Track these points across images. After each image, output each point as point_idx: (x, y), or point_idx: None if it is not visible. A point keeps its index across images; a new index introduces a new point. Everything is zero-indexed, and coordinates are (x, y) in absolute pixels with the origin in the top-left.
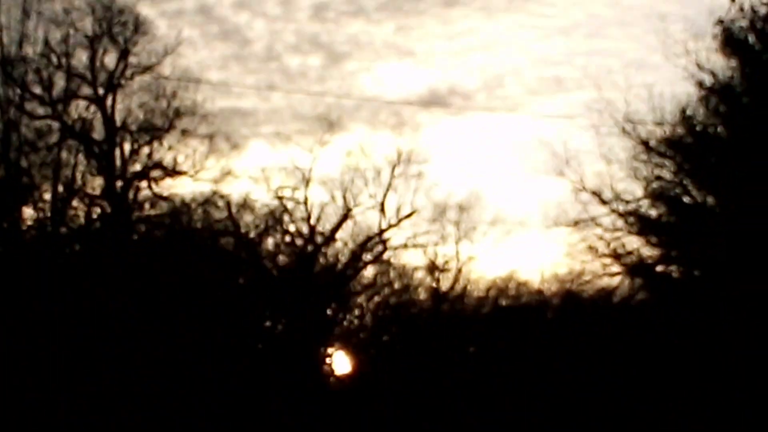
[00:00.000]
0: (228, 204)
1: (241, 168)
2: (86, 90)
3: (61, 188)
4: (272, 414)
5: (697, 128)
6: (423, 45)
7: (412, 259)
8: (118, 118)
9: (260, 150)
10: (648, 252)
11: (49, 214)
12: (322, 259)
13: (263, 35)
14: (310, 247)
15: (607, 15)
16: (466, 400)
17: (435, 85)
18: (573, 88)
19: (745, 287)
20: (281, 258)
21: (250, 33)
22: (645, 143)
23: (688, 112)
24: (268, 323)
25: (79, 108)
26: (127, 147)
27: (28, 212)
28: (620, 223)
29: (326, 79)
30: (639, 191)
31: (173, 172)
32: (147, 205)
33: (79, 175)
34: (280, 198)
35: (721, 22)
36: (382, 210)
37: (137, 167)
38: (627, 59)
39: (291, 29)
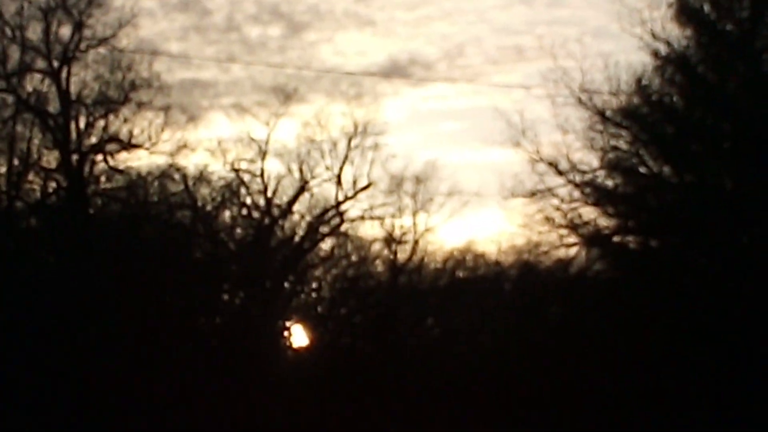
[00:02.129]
0: (184, 177)
1: (198, 140)
2: (41, 63)
3: (16, 162)
4: (231, 387)
5: (653, 98)
6: (383, 14)
7: (369, 232)
8: (73, 91)
9: (218, 122)
10: (605, 222)
11: (4, 189)
12: (279, 232)
13: (223, 6)
14: (267, 220)
15: None
16: (424, 372)
17: (396, 55)
18: (533, 57)
19: (701, 257)
20: (238, 231)
21: (210, 4)
22: (601, 113)
23: (644, 82)
24: (225, 297)
25: (33, 81)
26: (82, 120)
27: None
28: (577, 193)
29: (286, 50)
30: (595, 162)
31: (129, 145)
32: (103, 179)
33: (34, 149)
34: (237, 170)
35: None
36: (339, 182)
37: (93, 140)
38: (588, 28)
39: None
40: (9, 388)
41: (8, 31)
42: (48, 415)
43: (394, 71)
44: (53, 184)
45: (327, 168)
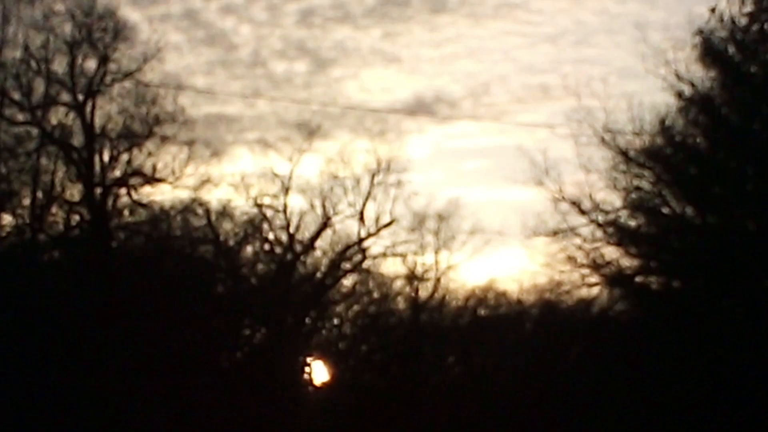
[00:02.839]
0: (207, 212)
1: (222, 175)
2: (66, 96)
3: (40, 194)
4: (251, 422)
5: (676, 139)
6: (409, 51)
7: (391, 269)
8: (98, 125)
9: (242, 157)
10: (627, 263)
11: (28, 221)
12: (301, 268)
13: (249, 41)
14: (289, 256)
15: (595, 23)
16: (445, 411)
17: (421, 92)
18: (559, 96)
19: (724, 300)
20: (260, 266)
21: (236, 38)
22: (624, 153)
23: (668, 123)
24: (247, 332)
25: (58, 114)
26: (106, 154)
27: (6, 218)
28: (599, 233)
29: (312, 86)
30: (618, 201)
31: (152, 179)
32: (126, 212)
33: (58, 182)
34: (260, 206)
35: (700, 32)
36: (362, 219)
37: (116, 174)
38: (613, 67)
39: (277, 35)
40: (31, 423)
41: (33, 64)
42: None
43: (419, 108)
44: (76, 217)
45: (350, 204)
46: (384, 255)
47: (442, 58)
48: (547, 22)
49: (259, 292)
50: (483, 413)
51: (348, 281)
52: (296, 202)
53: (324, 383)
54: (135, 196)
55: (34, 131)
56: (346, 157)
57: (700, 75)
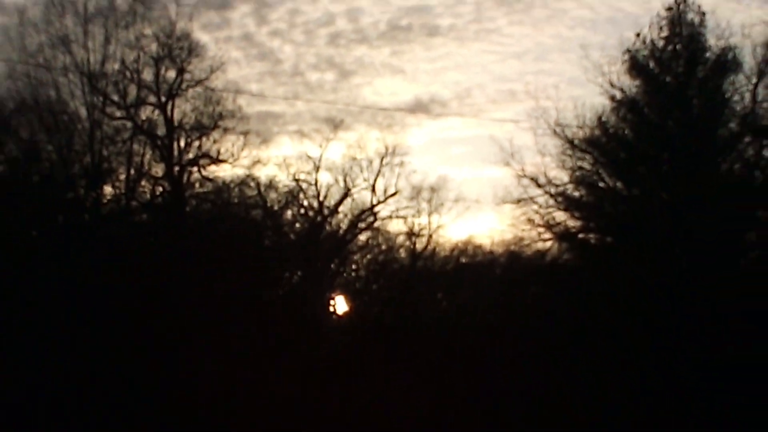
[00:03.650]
0: (258, 185)
1: (269, 157)
2: (152, 98)
3: (132, 172)
4: (290, 342)
5: (610, 131)
6: (411, 65)
7: (395, 228)
8: (176, 119)
9: (284, 143)
10: (572, 223)
11: (123, 192)
12: (327, 227)
13: (291, 56)
14: (318, 218)
15: (550, 43)
16: (434, 334)
17: (419, 95)
18: (522, 99)
19: (645, 251)
20: (297, 226)
21: (281, 55)
22: (570, 141)
23: (603, 119)
24: (287, 274)
25: (146, 111)
26: (182, 141)
27: (107, 190)
28: (551, 201)
29: (338, 90)
30: (566, 178)
31: (217, 160)
32: (197, 186)
33: (146, 162)
34: (297, 180)
35: (629, 51)
36: (373, 190)
37: (190, 156)
38: (563, 77)
39: (312, 52)
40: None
41: (128, 74)
42: (147, 362)
43: (418, 107)
44: (160, 189)
45: (365, 180)
46: (390, 217)
47: (436, 70)
48: (515, 43)
49: (296, 245)
50: (464, 336)
51: (363, 237)
52: (324, 178)
53: (344, 313)
54: (204, 173)
55: (128, 124)
56: (362, 144)
57: (628, 83)
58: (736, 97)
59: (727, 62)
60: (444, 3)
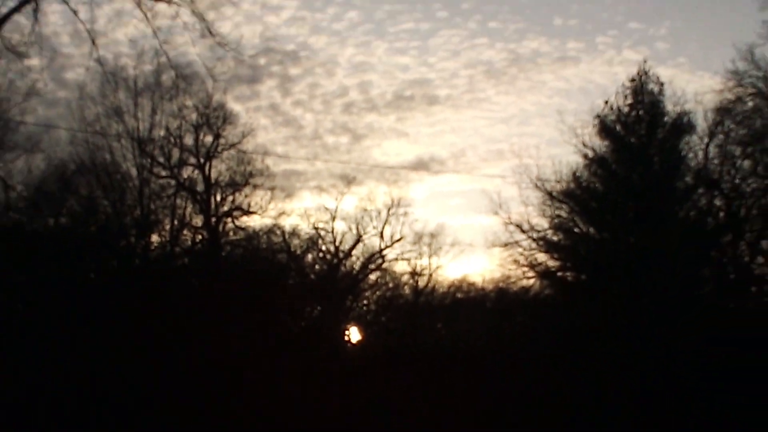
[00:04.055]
0: (283, 233)
1: (293, 209)
2: (192, 159)
3: (175, 223)
4: (312, 366)
5: (583, 184)
6: (414, 129)
7: (400, 268)
8: (213, 178)
9: (306, 197)
10: (552, 263)
11: (168, 239)
12: (342, 268)
13: (311, 123)
14: (335, 261)
15: (532, 110)
16: (434, 358)
17: (421, 155)
18: (509, 157)
19: (614, 286)
20: (317, 267)
21: (303, 122)
22: (549, 194)
23: (577, 174)
24: (308, 309)
25: (187, 171)
26: (218, 196)
27: (154, 238)
28: (534, 245)
29: (351, 152)
30: (546, 224)
31: (248, 212)
32: (231, 233)
33: (187, 215)
34: (317, 228)
35: (598, 116)
36: (382, 236)
37: (225, 209)
38: (543, 139)
39: (329, 119)
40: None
41: (172, 139)
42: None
43: (420, 166)
44: (199, 237)
45: (374, 227)
46: (396, 259)
47: (435, 133)
48: (502, 110)
49: (316, 284)
50: (459, 361)
51: (373, 276)
52: (339, 226)
53: (357, 341)
54: (236, 223)
55: (172, 182)
56: (372, 197)
57: (598, 144)
58: (691, 155)
59: (682, 125)
60: (441, 76)
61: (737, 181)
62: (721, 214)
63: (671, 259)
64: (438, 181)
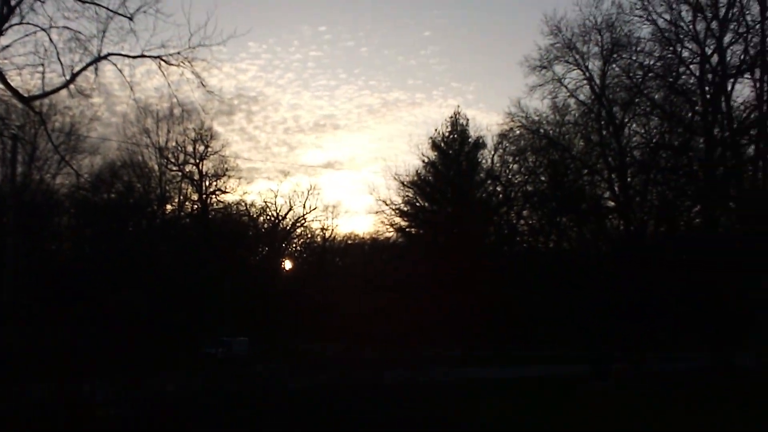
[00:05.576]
0: (246, 204)
1: (252, 190)
2: (192, 160)
3: (181, 198)
4: (267, 284)
5: (422, 177)
6: (325, 144)
7: (315, 226)
8: (205, 171)
9: (261, 183)
10: (404, 224)
11: (176, 208)
12: (281, 226)
13: (264, 139)
14: (277, 221)
15: (395, 133)
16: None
17: (329, 159)
18: (381, 161)
19: (439, 240)
20: (266, 225)
21: (259, 138)
22: (402, 182)
23: (419, 171)
24: (260, 250)
25: (189, 167)
26: (207, 182)
27: (168, 207)
28: (393, 212)
29: (288, 156)
30: (400, 200)
31: (225, 192)
32: (215, 204)
33: (188, 193)
34: (266, 202)
35: (431, 138)
36: (304, 206)
37: (211, 190)
38: (401, 150)
39: (275, 137)
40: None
41: (179, 148)
42: None
43: (328, 165)
44: (195, 207)
45: (300, 202)
46: (312, 221)
47: (337, 146)
48: (378, 133)
49: (265, 235)
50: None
51: (299, 231)
52: (280, 201)
53: (289, 269)
54: (218, 199)
55: (179, 174)
56: (299, 184)
57: (431, 154)
58: (483, 161)
59: (479, 143)
60: (342, 112)
61: (510, 176)
62: (501, 195)
63: (472, 222)
64: (339, 174)
